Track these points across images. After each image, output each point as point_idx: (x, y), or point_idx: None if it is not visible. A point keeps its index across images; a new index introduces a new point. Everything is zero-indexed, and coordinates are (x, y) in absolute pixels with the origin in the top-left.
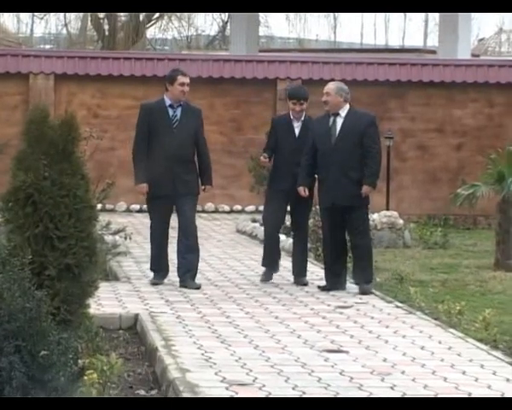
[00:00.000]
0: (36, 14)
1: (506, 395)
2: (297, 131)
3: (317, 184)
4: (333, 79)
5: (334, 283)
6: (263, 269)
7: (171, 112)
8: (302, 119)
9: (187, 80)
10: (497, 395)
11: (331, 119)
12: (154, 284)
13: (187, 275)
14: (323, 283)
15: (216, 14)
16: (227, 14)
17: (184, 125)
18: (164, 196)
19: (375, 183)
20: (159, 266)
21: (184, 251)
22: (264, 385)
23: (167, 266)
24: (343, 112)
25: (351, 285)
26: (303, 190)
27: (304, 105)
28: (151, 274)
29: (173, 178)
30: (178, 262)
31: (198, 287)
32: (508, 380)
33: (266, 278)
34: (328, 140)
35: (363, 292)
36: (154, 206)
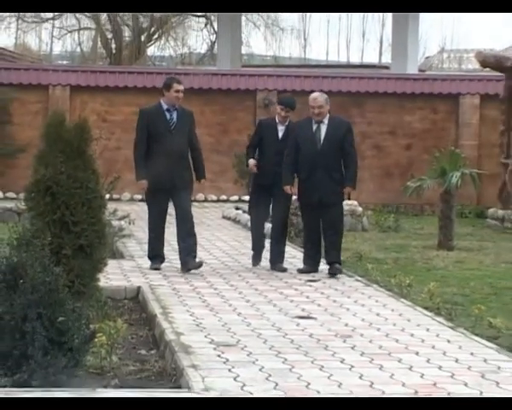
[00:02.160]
0: (55, 34)
1: (447, 354)
2: (280, 134)
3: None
4: (303, 90)
5: (312, 265)
6: (251, 253)
7: (168, 115)
8: (286, 123)
9: (181, 87)
10: (440, 353)
11: (315, 125)
12: (154, 268)
13: (188, 257)
14: (300, 265)
15: (205, 35)
16: (215, 34)
17: (180, 126)
18: (163, 189)
19: (355, 183)
20: (157, 253)
21: (184, 236)
22: (245, 346)
23: (163, 252)
24: (325, 119)
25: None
26: (289, 189)
27: (289, 113)
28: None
29: (172, 173)
30: (180, 247)
31: (200, 265)
32: (449, 341)
33: (255, 262)
34: (313, 144)
35: (335, 273)
36: (153, 199)
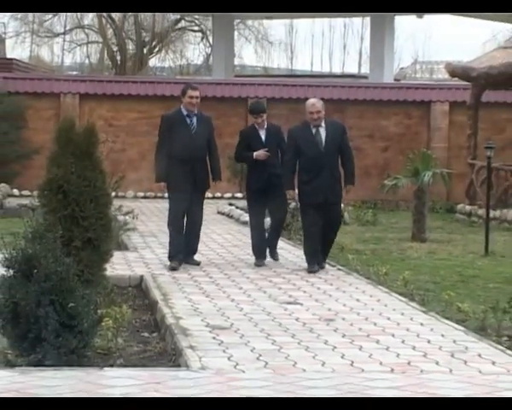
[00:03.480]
0: (65, 47)
1: (420, 336)
2: (263, 137)
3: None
4: (290, 98)
5: (318, 263)
6: (250, 252)
7: (188, 120)
8: (265, 126)
9: (195, 93)
10: (414, 335)
11: (313, 129)
12: (172, 269)
13: (189, 256)
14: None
15: (201, 48)
16: (210, 47)
17: (200, 131)
18: (185, 190)
19: (354, 181)
20: (177, 252)
21: (190, 237)
22: (238, 329)
23: (181, 250)
24: (322, 123)
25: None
26: (292, 192)
27: (263, 116)
28: (153, 245)
29: (193, 175)
30: (184, 244)
31: (198, 264)
32: (421, 324)
33: (260, 262)
34: (316, 147)
35: (322, 267)
36: (176, 198)
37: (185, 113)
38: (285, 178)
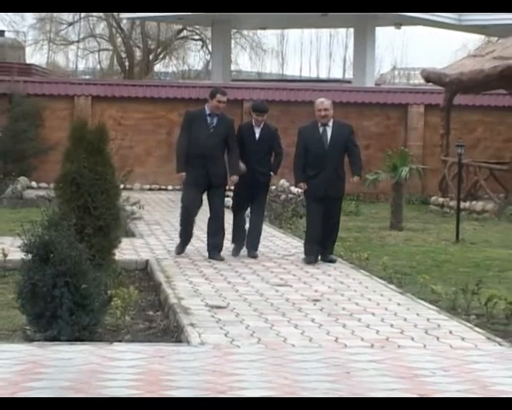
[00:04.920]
0: (79, 54)
1: (398, 314)
2: (257, 135)
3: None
4: (281, 100)
5: (318, 253)
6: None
7: (209, 119)
8: (261, 126)
9: (224, 99)
10: (392, 314)
11: (321, 128)
12: (178, 253)
13: (214, 251)
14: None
15: (201, 55)
16: (209, 54)
17: (219, 130)
18: (199, 184)
19: (361, 174)
20: (186, 235)
21: (214, 233)
22: (234, 308)
23: (191, 235)
24: (330, 122)
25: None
26: (303, 185)
27: (264, 116)
28: (157, 232)
29: (207, 171)
30: (208, 241)
31: (222, 259)
32: (399, 304)
33: (236, 253)
34: (321, 145)
35: (330, 260)
36: (189, 191)
37: (208, 112)
38: (295, 173)
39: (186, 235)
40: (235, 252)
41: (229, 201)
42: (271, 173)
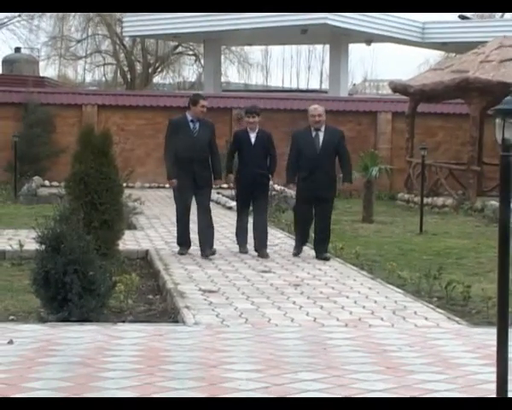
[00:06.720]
0: (86, 68)
1: (369, 297)
2: (253, 140)
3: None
4: (265, 108)
5: (301, 249)
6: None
7: (191, 125)
8: (256, 130)
9: (206, 103)
10: (364, 297)
11: (313, 132)
12: (180, 254)
13: (205, 246)
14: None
15: (195, 68)
16: (202, 68)
17: (202, 134)
18: (187, 187)
19: (351, 179)
20: (184, 240)
21: (203, 228)
22: (224, 292)
23: (189, 239)
24: (322, 128)
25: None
26: (292, 185)
27: (256, 118)
28: (156, 225)
29: (194, 173)
30: (199, 237)
31: (214, 252)
32: (370, 288)
33: (244, 249)
34: (313, 149)
35: (325, 258)
36: (179, 195)
37: (190, 118)
38: (287, 173)
39: (185, 237)
40: (244, 248)
41: (229, 202)
42: (269, 175)
